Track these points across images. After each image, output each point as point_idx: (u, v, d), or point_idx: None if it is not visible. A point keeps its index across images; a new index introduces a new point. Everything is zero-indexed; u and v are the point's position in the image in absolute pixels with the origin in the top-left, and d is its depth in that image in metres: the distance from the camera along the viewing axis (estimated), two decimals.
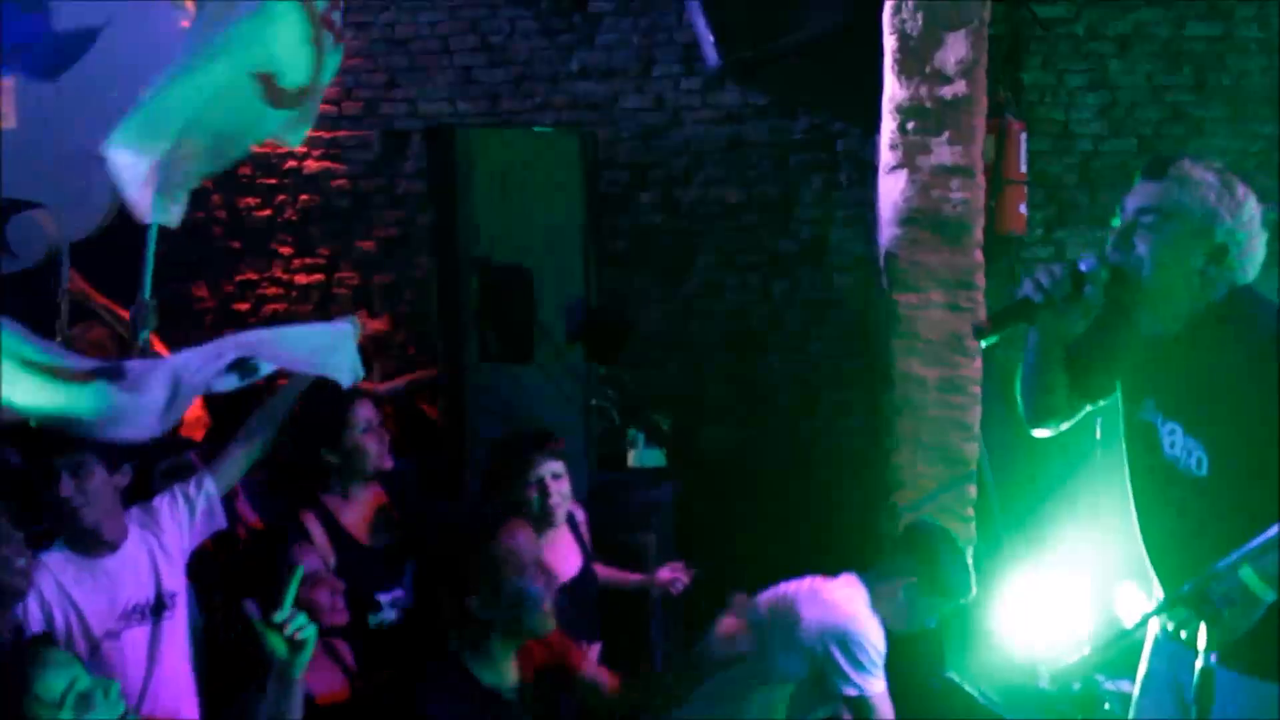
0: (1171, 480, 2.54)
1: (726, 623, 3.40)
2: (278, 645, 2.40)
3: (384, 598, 3.45)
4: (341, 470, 3.54)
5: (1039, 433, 2.80)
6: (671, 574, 4.05)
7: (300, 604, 2.80)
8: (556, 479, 3.66)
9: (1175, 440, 2.52)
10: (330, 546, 3.47)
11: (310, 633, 2.45)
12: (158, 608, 3.14)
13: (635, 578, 4.14)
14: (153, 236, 4.18)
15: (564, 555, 3.71)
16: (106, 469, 3.10)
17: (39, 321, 4.23)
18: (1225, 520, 2.39)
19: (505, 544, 2.64)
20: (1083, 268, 2.50)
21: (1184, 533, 2.54)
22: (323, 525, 3.50)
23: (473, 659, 2.64)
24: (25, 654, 2.36)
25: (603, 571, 3.97)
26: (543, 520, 3.62)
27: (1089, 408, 2.76)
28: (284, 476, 4.50)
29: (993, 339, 2.61)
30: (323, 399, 3.41)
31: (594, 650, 3.73)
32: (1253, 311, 2.47)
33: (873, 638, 3.48)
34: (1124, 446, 2.68)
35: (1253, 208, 2.46)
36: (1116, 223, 2.55)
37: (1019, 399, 2.77)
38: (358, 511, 3.56)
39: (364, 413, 3.57)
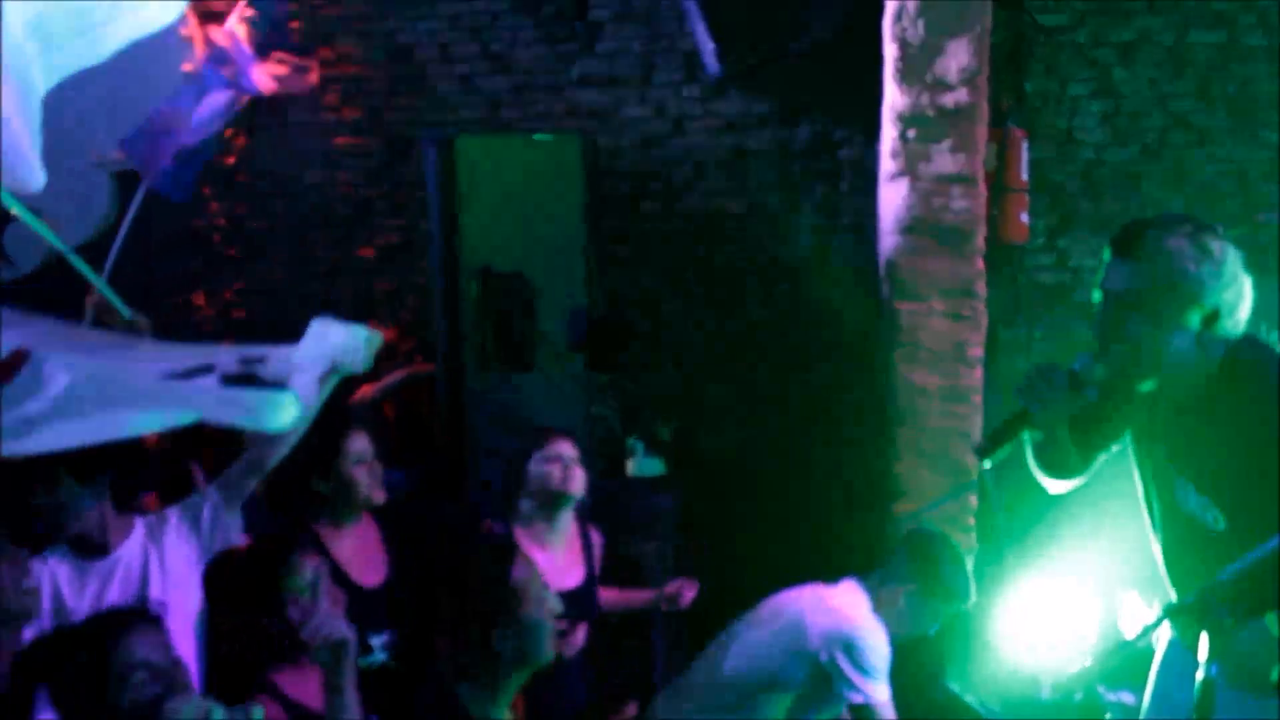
0: (1191, 530, 2.53)
1: None
2: (319, 654, 2.40)
3: (375, 640, 3.34)
4: (333, 501, 3.45)
5: (1055, 488, 2.77)
6: (677, 587, 3.98)
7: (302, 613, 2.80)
8: (570, 462, 3.67)
9: (1190, 497, 2.50)
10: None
11: (344, 632, 2.44)
12: None
13: (642, 595, 4.08)
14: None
15: (568, 567, 3.69)
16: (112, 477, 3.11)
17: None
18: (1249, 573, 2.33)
19: (520, 574, 2.60)
20: (1076, 368, 2.49)
21: (1200, 576, 2.48)
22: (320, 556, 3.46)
23: (473, 692, 2.58)
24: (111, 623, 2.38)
25: (609, 596, 3.92)
26: (559, 500, 3.64)
27: (1102, 456, 2.73)
28: (279, 495, 4.50)
29: (997, 457, 2.58)
30: (316, 427, 3.34)
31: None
32: (1253, 367, 2.43)
33: (877, 644, 3.49)
34: (1140, 490, 2.66)
35: (1232, 261, 2.41)
36: (1098, 297, 2.50)
37: (1037, 470, 2.74)
38: (350, 546, 3.47)
39: (358, 444, 3.48)
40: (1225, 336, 2.42)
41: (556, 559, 3.64)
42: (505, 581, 2.58)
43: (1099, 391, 2.54)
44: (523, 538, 3.56)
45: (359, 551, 3.47)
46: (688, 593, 3.95)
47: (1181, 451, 2.52)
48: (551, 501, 3.65)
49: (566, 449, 3.69)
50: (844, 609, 3.54)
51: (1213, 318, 2.39)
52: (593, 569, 3.80)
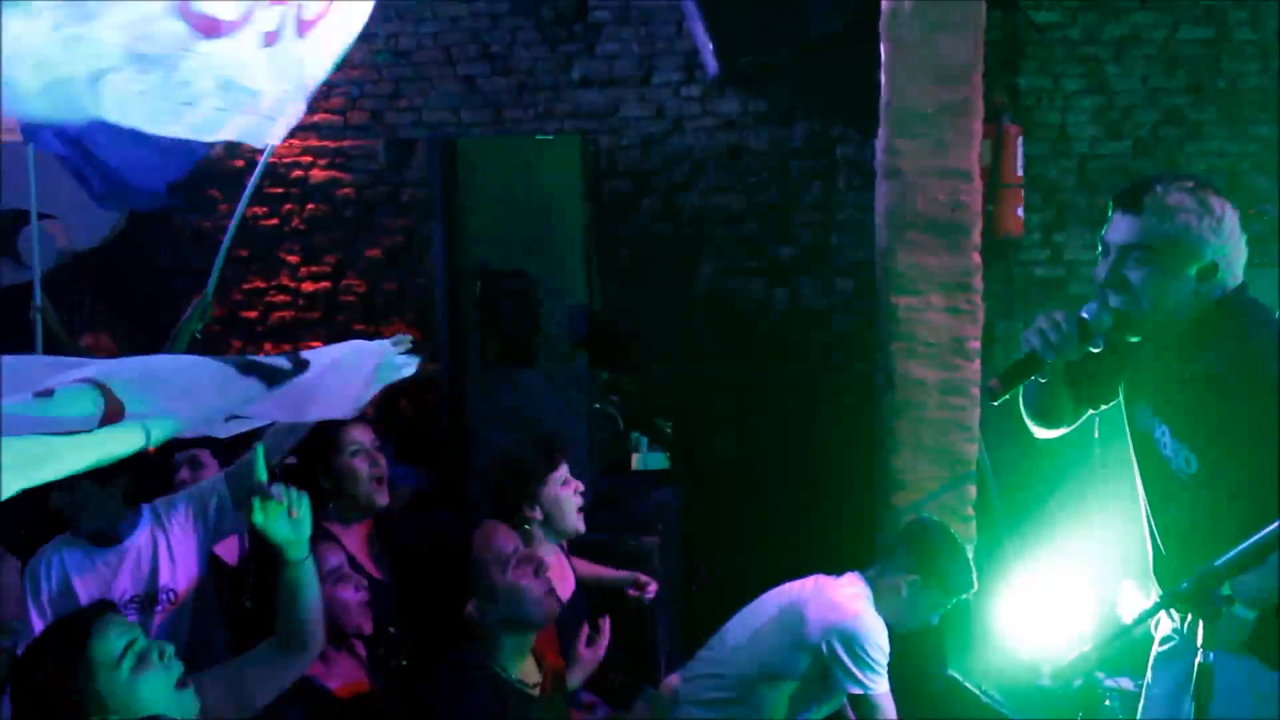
0: (1168, 480, 2.58)
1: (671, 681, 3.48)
2: (278, 528, 2.41)
3: (397, 633, 3.31)
4: (335, 495, 3.42)
5: (1041, 434, 2.83)
6: (645, 580, 3.93)
7: (325, 601, 2.85)
8: (574, 487, 3.63)
9: (1167, 442, 2.55)
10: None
11: (305, 503, 2.46)
12: (149, 602, 3.14)
13: (615, 574, 4.02)
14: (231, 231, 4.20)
15: (561, 577, 3.66)
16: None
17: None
18: (1217, 517, 2.43)
19: (484, 545, 2.72)
20: (1085, 315, 2.52)
21: (1181, 530, 2.58)
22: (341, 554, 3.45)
23: (492, 658, 2.71)
24: (81, 620, 2.34)
25: (583, 566, 3.88)
26: (573, 533, 3.62)
27: (1091, 412, 2.80)
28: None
29: (1005, 397, 2.60)
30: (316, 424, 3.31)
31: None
32: (1239, 316, 2.49)
33: (877, 636, 3.51)
34: (1130, 449, 2.71)
35: (1231, 217, 2.48)
36: (1101, 249, 2.56)
37: (1025, 413, 2.80)
38: (359, 541, 3.45)
39: (355, 434, 3.44)
40: (1221, 286, 2.47)
41: (553, 567, 3.54)
42: (469, 557, 2.72)
43: (1104, 341, 2.58)
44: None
45: (368, 547, 3.45)
46: (650, 588, 3.91)
47: (1160, 391, 2.57)
48: (566, 536, 3.65)
49: (565, 470, 3.61)
50: (845, 601, 3.56)
51: (1210, 270, 2.45)
52: (578, 576, 3.79)
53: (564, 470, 3.59)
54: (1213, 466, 2.46)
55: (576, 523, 3.59)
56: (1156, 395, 2.59)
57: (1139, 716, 2.91)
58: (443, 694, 2.71)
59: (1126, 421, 2.71)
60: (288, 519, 2.51)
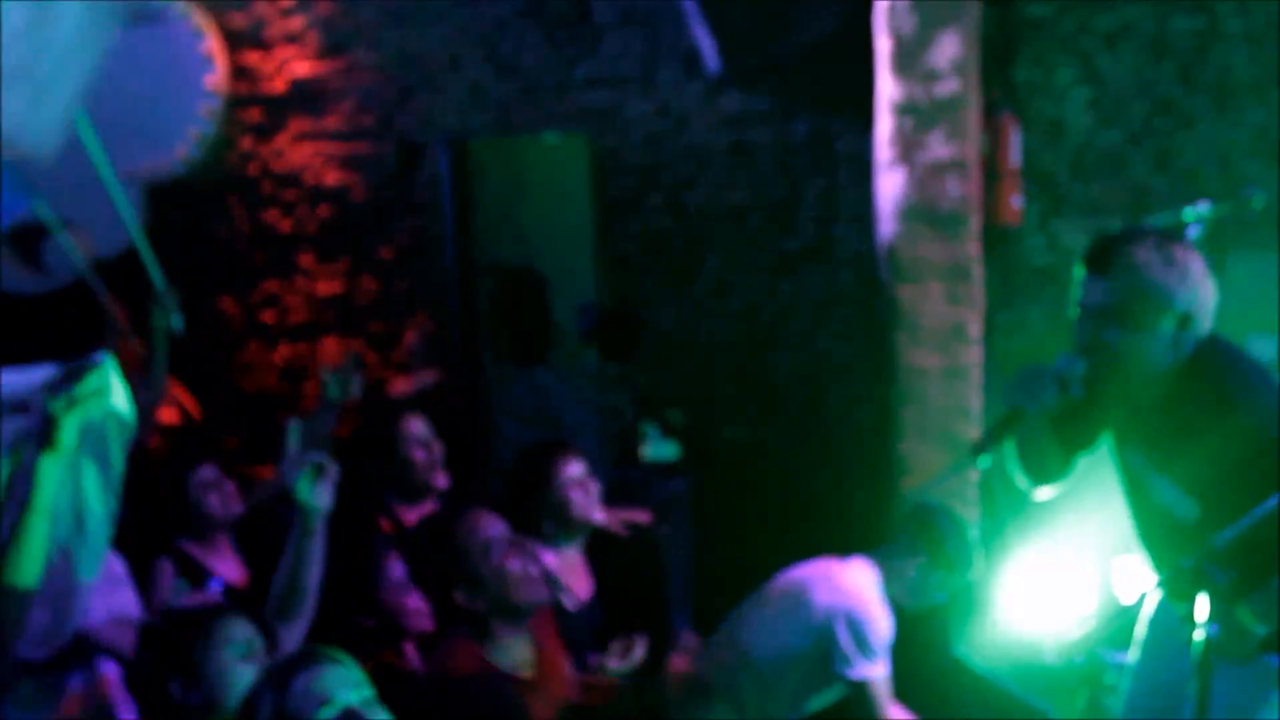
0: (1167, 524, 2.63)
1: (676, 663, 3.49)
2: (303, 487, 2.49)
3: None
4: (397, 483, 3.65)
5: (1041, 494, 2.88)
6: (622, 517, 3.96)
7: (387, 608, 2.95)
8: (586, 482, 3.67)
9: (1164, 492, 2.60)
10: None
11: (331, 469, 2.52)
12: None
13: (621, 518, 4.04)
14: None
15: (579, 577, 3.73)
16: None
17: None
18: (1224, 561, 2.44)
19: (465, 532, 2.74)
20: (1060, 367, 2.60)
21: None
22: (394, 529, 3.60)
23: (478, 640, 2.72)
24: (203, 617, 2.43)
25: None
26: (576, 526, 3.64)
27: (1082, 458, 2.83)
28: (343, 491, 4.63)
29: (991, 455, 2.67)
30: (369, 417, 3.47)
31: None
32: (1221, 364, 2.54)
33: (879, 622, 3.55)
34: (1119, 484, 2.76)
35: (1196, 266, 2.53)
36: (1075, 313, 2.61)
37: (1020, 473, 2.83)
38: (417, 519, 3.63)
39: (412, 427, 3.68)
40: (1195, 336, 2.55)
41: (568, 566, 3.67)
42: (453, 544, 2.73)
43: (1083, 390, 2.63)
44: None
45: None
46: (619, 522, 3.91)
47: (1156, 448, 2.61)
48: (574, 529, 3.66)
49: (577, 469, 3.66)
50: (851, 586, 3.60)
51: (1185, 321, 2.52)
52: (595, 581, 3.85)
53: (574, 471, 3.61)
54: (1214, 512, 2.46)
55: (587, 514, 3.63)
56: (1152, 450, 2.62)
57: (1125, 697, 3.01)
58: (434, 683, 2.73)
59: (1114, 462, 2.75)
60: (315, 486, 2.59)
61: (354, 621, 2.93)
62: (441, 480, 3.68)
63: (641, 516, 4.04)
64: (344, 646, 2.80)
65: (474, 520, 2.76)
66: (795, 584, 3.72)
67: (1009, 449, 2.78)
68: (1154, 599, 2.81)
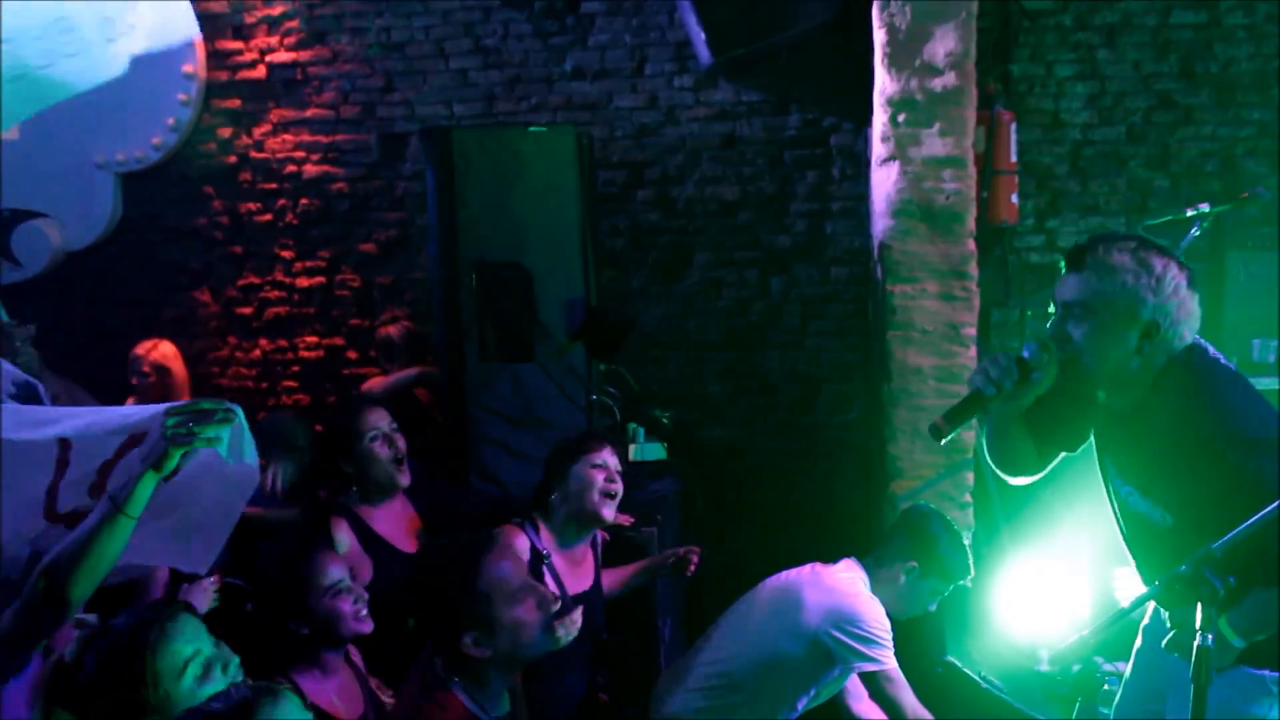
0: (1144, 528, 2.66)
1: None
2: (172, 430, 2.39)
3: None
4: (359, 479, 3.57)
5: (1016, 483, 2.89)
6: (683, 552, 3.90)
7: (322, 612, 2.82)
8: (605, 474, 3.63)
9: (1135, 500, 2.63)
10: (364, 554, 3.47)
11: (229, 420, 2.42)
12: None
13: (637, 567, 4.05)
14: None
15: (581, 571, 3.69)
16: None
17: None
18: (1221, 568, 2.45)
19: (491, 575, 2.54)
20: (1026, 355, 2.62)
21: (1163, 567, 2.60)
22: (355, 533, 3.52)
23: (465, 688, 2.54)
24: (151, 621, 2.35)
25: (610, 579, 3.90)
26: (594, 517, 3.60)
27: (1062, 455, 2.86)
28: (305, 487, 4.55)
29: (950, 436, 2.68)
30: (336, 409, 3.41)
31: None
32: (1185, 375, 2.56)
33: (876, 614, 3.55)
34: (1104, 488, 2.78)
35: (1174, 276, 2.55)
36: (1051, 311, 2.65)
37: (990, 461, 2.86)
38: (391, 520, 3.57)
39: (372, 419, 3.59)
40: (1168, 348, 2.56)
41: (572, 560, 3.65)
42: (472, 585, 2.51)
43: (1054, 390, 2.67)
44: (546, 535, 3.57)
45: (397, 525, 3.56)
46: (693, 556, 3.88)
47: (1125, 458, 2.65)
48: (589, 521, 3.62)
49: (613, 460, 3.65)
50: (841, 586, 3.59)
51: (1151, 329, 2.53)
52: (599, 572, 3.82)
53: (602, 455, 3.61)
54: (1187, 520, 2.52)
55: (598, 507, 3.57)
56: (1120, 460, 2.67)
57: (1116, 705, 2.96)
58: None
59: (1104, 478, 2.77)
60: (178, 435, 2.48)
61: (286, 627, 2.82)
62: (404, 478, 3.59)
63: (623, 519, 3.98)
64: (277, 656, 2.76)
65: (498, 559, 2.56)
66: (785, 588, 3.71)
67: (984, 437, 2.82)
68: (1149, 607, 2.77)
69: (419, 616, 2.60)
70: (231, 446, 2.55)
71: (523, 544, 3.44)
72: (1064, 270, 2.63)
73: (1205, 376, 2.56)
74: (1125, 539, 2.76)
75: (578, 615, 3.08)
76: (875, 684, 3.58)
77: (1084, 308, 2.56)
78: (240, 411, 2.54)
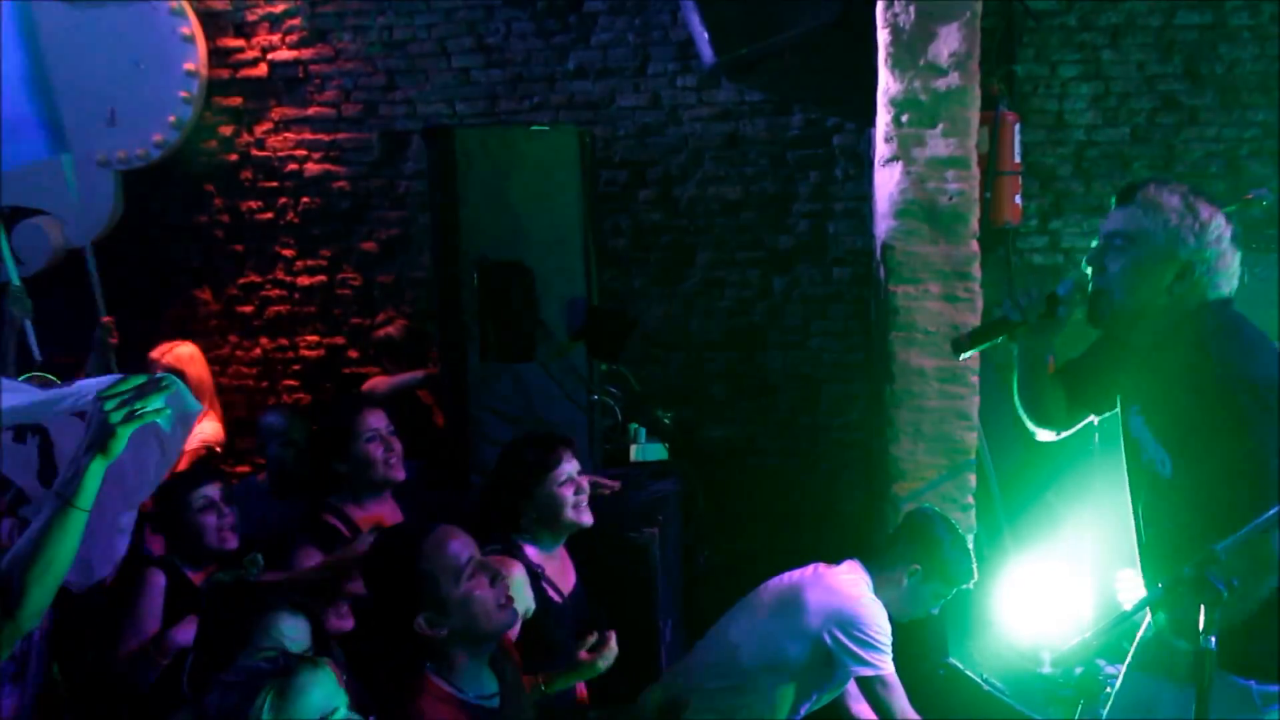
0: (1151, 483, 2.67)
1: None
2: (114, 412, 2.34)
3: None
4: (352, 480, 3.55)
5: (1042, 436, 2.94)
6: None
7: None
8: (574, 487, 3.50)
9: (1149, 445, 2.64)
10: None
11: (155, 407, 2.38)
12: None
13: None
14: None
15: (567, 567, 3.65)
16: None
17: None
18: (1189, 521, 2.53)
19: (433, 554, 2.54)
20: (1060, 291, 2.71)
21: (1158, 533, 2.67)
22: (347, 530, 3.50)
23: (436, 670, 2.55)
24: (289, 670, 2.21)
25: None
26: (563, 526, 3.48)
27: (1091, 417, 2.91)
28: (290, 485, 4.55)
29: (970, 352, 2.79)
30: (331, 409, 3.39)
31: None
32: (1213, 322, 2.58)
33: (877, 619, 3.54)
34: (1123, 455, 2.78)
35: (1219, 227, 2.59)
36: (1095, 244, 2.71)
37: (1019, 407, 2.92)
38: (374, 521, 3.52)
39: (370, 421, 3.57)
40: (1200, 295, 2.59)
41: (556, 564, 3.58)
42: (416, 566, 2.52)
43: (1087, 352, 2.78)
44: (531, 551, 3.47)
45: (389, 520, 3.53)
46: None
47: (1147, 395, 2.67)
48: (562, 529, 3.50)
49: (574, 466, 3.51)
50: (843, 587, 3.58)
51: (1186, 271, 2.58)
52: (576, 564, 3.73)
53: (567, 468, 3.47)
54: (1185, 469, 2.56)
55: (576, 517, 3.47)
56: (1142, 398, 2.68)
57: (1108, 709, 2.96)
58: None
59: (1121, 429, 2.77)
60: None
61: None
62: (399, 474, 3.58)
63: (607, 485, 3.87)
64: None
65: (441, 540, 2.57)
66: (787, 589, 3.71)
67: (1013, 385, 2.89)
68: (1147, 612, 2.77)
69: (374, 604, 2.63)
70: (173, 415, 2.51)
71: (520, 572, 3.31)
72: (1113, 205, 2.69)
73: (1233, 326, 2.59)
74: (1132, 495, 2.75)
75: (613, 642, 3.07)
76: (868, 687, 3.58)
77: (1126, 239, 2.61)
78: (173, 378, 2.49)
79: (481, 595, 2.56)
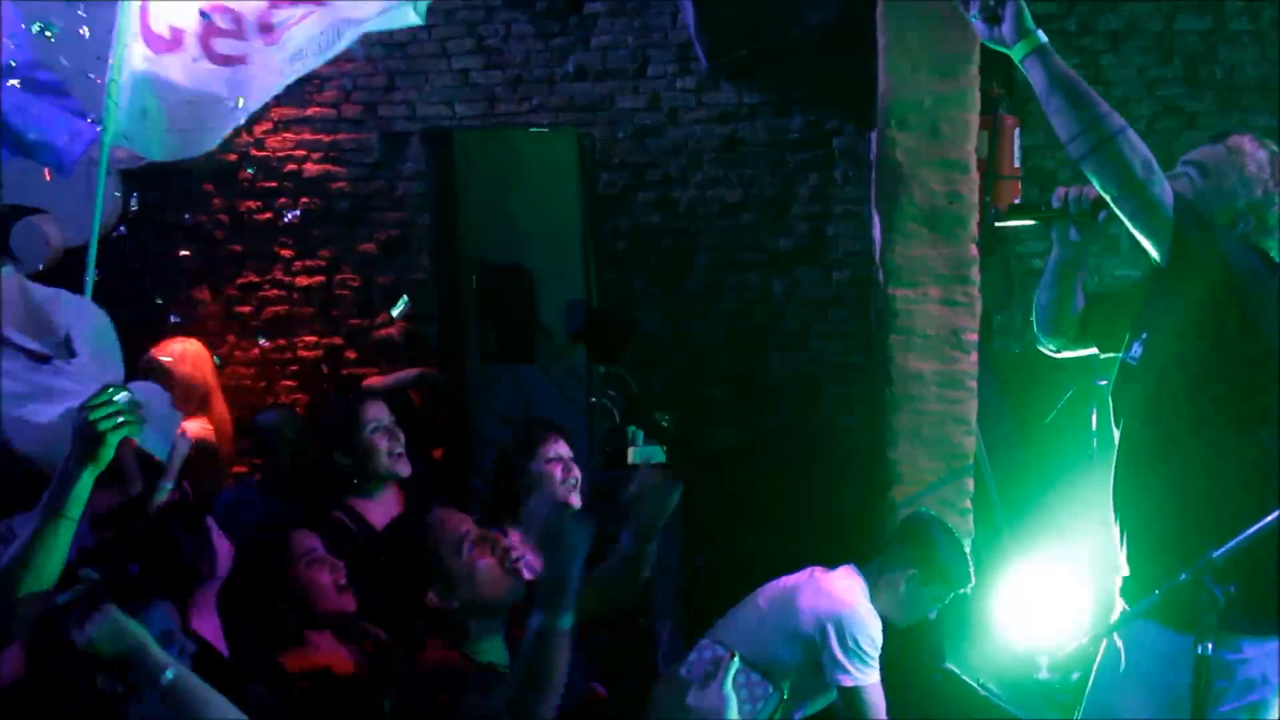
0: (1122, 374, 2.77)
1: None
2: (102, 421, 2.39)
3: None
4: (357, 471, 3.58)
5: (1045, 348, 3.00)
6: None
7: (299, 584, 2.86)
8: (570, 464, 3.64)
9: (1135, 348, 2.73)
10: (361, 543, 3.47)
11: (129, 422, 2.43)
12: None
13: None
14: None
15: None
16: None
17: None
18: (1160, 409, 2.65)
19: (437, 530, 2.66)
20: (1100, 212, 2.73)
21: (1130, 433, 2.72)
22: (352, 525, 3.52)
23: (463, 646, 2.65)
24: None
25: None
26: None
27: (1094, 349, 2.98)
28: (289, 482, 4.54)
29: (1005, 222, 2.99)
30: (329, 406, 3.42)
31: None
32: (1244, 251, 2.62)
33: (870, 628, 3.54)
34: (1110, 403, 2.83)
35: (1274, 174, 2.66)
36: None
37: (1032, 311, 2.99)
38: (386, 511, 3.56)
39: (373, 411, 3.62)
40: (1243, 234, 2.65)
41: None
42: (422, 543, 2.65)
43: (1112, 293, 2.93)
44: (516, 537, 3.50)
45: (391, 516, 3.53)
46: None
47: (1154, 312, 2.73)
48: None
49: (564, 449, 3.64)
50: (839, 592, 3.59)
51: (1238, 218, 2.66)
52: None
53: (554, 448, 3.59)
54: (1150, 356, 2.67)
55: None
56: (1149, 314, 2.76)
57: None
58: (412, 685, 2.64)
59: (1115, 373, 2.84)
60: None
61: (265, 610, 2.85)
62: (405, 468, 3.62)
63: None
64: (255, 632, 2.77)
65: (441, 517, 2.67)
66: (783, 592, 3.72)
67: (1033, 305, 2.95)
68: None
69: (393, 586, 2.73)
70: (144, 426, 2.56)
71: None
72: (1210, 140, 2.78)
73: (1259, 259, 2.64)
74: (1112, 401, 2.81)
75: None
76: (846, 698, 3.57)
77: (1200, 169, 2.69)
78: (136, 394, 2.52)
79: (485, 565, 2.65)
